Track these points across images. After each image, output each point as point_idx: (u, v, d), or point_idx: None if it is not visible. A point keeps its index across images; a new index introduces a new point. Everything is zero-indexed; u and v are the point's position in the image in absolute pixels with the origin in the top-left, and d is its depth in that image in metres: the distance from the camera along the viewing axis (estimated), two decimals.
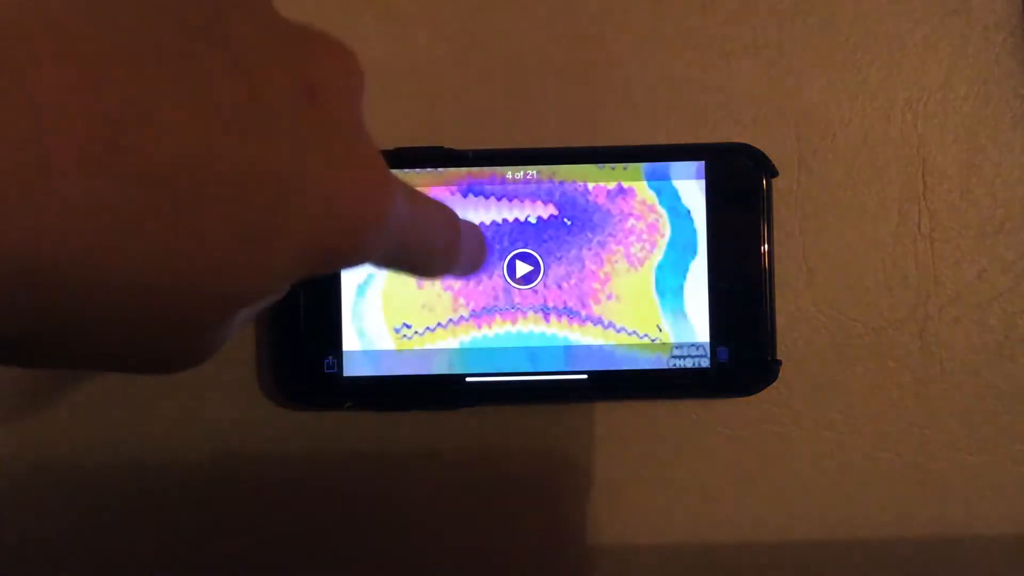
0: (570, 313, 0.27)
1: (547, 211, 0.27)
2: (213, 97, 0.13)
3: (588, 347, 0.27)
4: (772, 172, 0.27)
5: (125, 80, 0.12)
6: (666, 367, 0.27)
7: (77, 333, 0.14)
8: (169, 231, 0.13)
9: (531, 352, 0.27)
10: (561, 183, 0.27)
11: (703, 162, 0.27)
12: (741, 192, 0.27)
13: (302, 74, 0.15)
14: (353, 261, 0.18)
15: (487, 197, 0.27)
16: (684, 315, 0.27)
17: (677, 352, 0.27)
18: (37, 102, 0.11)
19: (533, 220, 0.27)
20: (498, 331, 0.27)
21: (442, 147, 0.27)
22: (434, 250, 0.21)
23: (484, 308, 0.27)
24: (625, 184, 0.27)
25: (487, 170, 0.27)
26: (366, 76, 0.17)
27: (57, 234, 0.12)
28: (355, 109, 0.17)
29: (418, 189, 0.20)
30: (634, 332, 0.27)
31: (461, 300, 0.27)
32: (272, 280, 0.16)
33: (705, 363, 0.27)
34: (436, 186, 0.27)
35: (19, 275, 0.12)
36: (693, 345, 0.27)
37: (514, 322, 0.27)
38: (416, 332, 0.27)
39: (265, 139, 0.14)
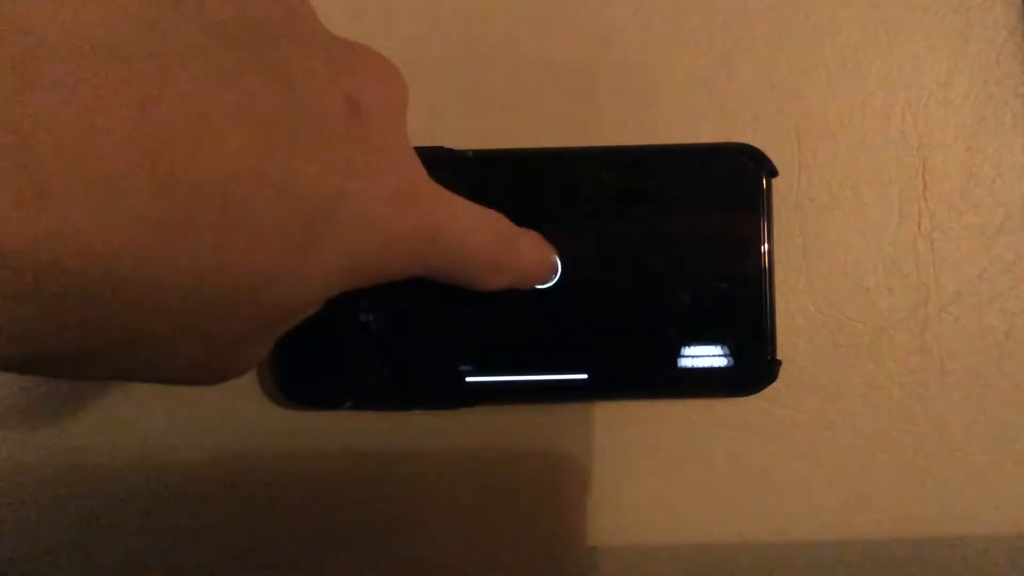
0: None
1: None
2: (261, 112, 0.14)
3: (588, 347, 0.27)
4: (772, 172, 0.27)
5: (177, 94, 0.12)
6: (666, 367, 0.27)
7: (127, 344, 0.14)
8: (216, 243, 0.13)
9: (531, 352, 0.27)
10: None
11: (703, 162, 0.27)
12: (741, 192, 0.27)
13: (346, 90, 0.16)
14: (390, 275, 0.18)
15: None
16: (684, 315, 0.27)
17: (677, 352, 0.27)
18: (91, 114, 0.11)
19: None
20: None
21: (442, 147, 0.27)
22: (483, 262, 0.21)
23: None
24: None
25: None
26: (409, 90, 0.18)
27: (108, 244, 0.12)
28: (397, 124, 0.17)
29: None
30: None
31: None
32: (313, 293, 0.16)
33: (705, 363, 0.27)
34: None
35: (74, 286, 0.12)
36: (693, 345, 0.27)
37: None
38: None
39: (309, 154, 0.14)
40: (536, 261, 0.24)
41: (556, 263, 0.25)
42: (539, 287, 0.26)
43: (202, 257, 0.13)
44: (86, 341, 0.13)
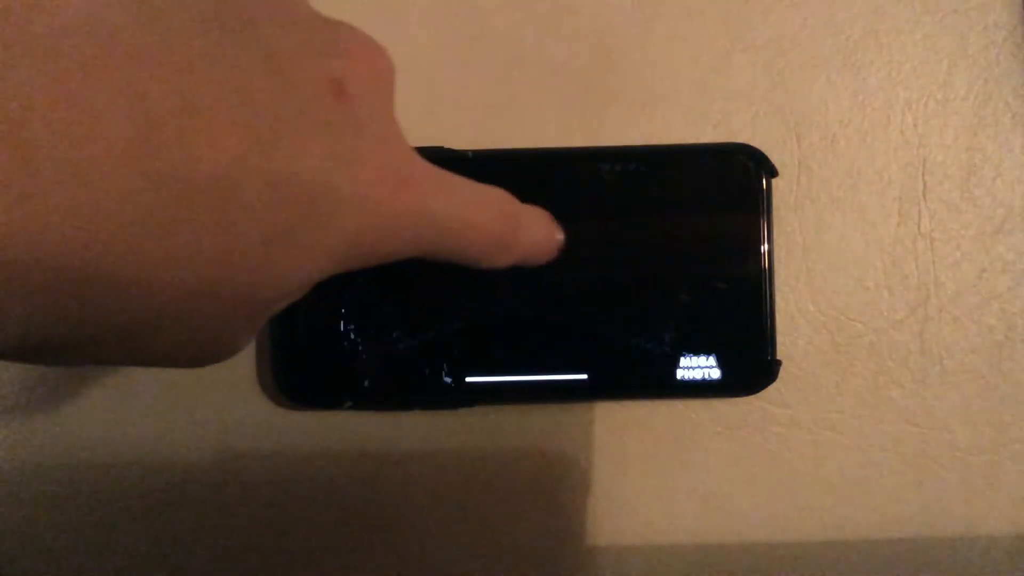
0: None
1: None
2: (248, 99, 0.13)
3: (588, 347, 0.27)
4: (772, 172, 0.27)
5: (167, 80, 0.12)
6: (666, 367, 0.27)
7: (119, 332, 0.14)
8: (205, 232, 0.13)
9: (531, 352, 0.27)
10: None
11: (703, 162, 0.27)
12: (741, 192, 0.27)
13: (331, 72, 0.15)
14: (386, 256, 0.18)
15: None
16: (684, 315, 0.27)
17: (677, 352, 0.27)
18: (81, 102, 0.11)
19: None
20: None
21: (442, 147, 0.27)
22: (485, 240, 0.20)
23: None
24: None
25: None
26: (396, 71, 0.17)
27: (98, 235, 0.12)
28: (383, 105, 0.17)
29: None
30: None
31: None
32: (301, 278, 0.16)
33: (705, 363, 0.27)
34: None
35: (64, 277, 0.12)
36: (693, 345, 0.27)
37: None
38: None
39: (295, 141, 0.14)
40: (542, 238, 0.24)
41: (561, 239, 0.25)
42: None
43: (192, 246, 0.13)
44: (73, 331, 0.13)
